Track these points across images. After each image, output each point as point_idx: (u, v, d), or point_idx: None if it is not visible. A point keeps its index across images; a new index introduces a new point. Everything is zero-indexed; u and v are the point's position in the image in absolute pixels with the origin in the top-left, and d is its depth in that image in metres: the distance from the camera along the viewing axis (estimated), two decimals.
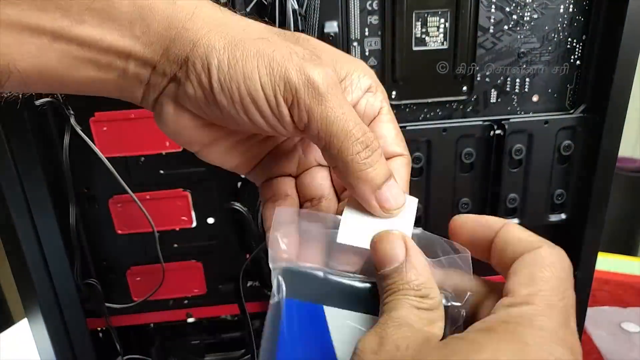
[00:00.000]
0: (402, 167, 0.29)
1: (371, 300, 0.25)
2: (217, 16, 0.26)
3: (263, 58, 0.24)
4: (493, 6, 0.40)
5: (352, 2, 0.40)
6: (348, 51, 0.41)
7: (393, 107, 0.43)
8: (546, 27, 0.42)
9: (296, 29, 0.37)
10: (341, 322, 0.25)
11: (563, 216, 0.47)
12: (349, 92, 0.28)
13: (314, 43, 0.28)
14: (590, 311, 0.57)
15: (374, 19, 0.40)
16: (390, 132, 0.29)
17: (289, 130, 0.26)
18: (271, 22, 0.37)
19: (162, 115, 0.27)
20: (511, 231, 0.25)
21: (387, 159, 0.28)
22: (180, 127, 0.27)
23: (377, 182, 0.26)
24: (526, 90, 0.43)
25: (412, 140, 0.43)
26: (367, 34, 0.41)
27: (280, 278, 0.25)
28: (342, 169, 0.26)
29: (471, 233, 0.26)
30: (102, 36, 0.24)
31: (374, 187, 0.26)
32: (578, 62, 0.43)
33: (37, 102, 0.38)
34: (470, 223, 0.27)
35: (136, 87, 0.27)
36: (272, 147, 0.31)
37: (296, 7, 0.37)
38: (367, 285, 0.26)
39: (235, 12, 0.27)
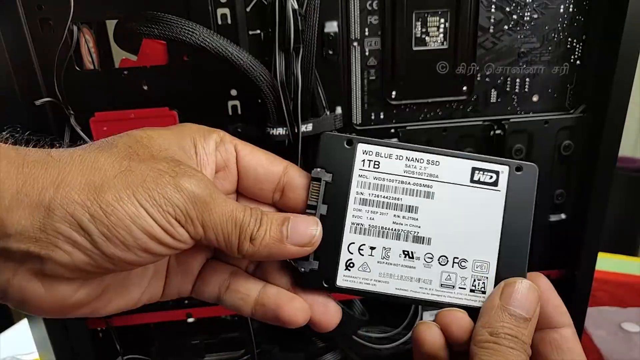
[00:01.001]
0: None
1: None
2: (45, 161, 0.23)
3: (139, 192, 0.23)
4: (493, 6, 0.40)
5: (352, 2, 0.40)
6: (348, 51, 0.41)
7: (393, 107, 0.43)
8: (546, 27, 0.42)
9: (296, 29, 0.37)
10: None
11: (563, 216, 0.47)
12: (206, 163, 0.29)
13: (149, 138, 0.27)
14: (590, 311, 0.57)
15: (374, 19, 0.40)
16: (259, 157, 0.31)
17: (188, 244, 0.26)
18: (271, 22, 0.37)
19: (26, 299, 0.24)
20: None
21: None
22: (59, 299, 0.25)
23: (283, 233, 0.27)
24: (526, 90, 0.43)
25: (412, 141, 0.43)
26: (367, 33, 0.41)
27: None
28: (248, 252, 0.26)
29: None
30: None
31: (282, 238, 0.27)
32: (578, 62, 0.43)
33: (37, 102, 0.38)
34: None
35: None
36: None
37: (296, 7, 0.36)
38: None
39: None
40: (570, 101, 0.44)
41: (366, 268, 0.29)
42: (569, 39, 0.42)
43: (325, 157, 0.30)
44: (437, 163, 0.29)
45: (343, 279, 0.29)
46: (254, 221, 0.26)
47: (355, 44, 0.41)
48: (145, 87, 0.40)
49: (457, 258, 0.28)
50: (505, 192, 0.28)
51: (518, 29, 0.41)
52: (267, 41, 0.39)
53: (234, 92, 0.41)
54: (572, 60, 0.43)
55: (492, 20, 0.41)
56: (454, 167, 0.29)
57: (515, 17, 0.41)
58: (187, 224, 0.25)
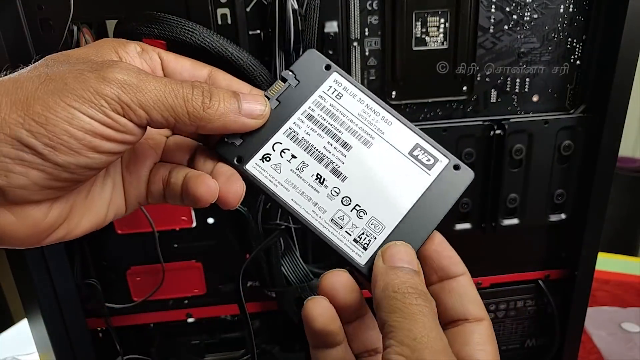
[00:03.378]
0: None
1: None
2: None
3: (65, 95, 0.23)
4: (493, 6, 0.40)
5: (352, 2, 0.40)
6: (348, 51, 0.41)
7: (393, 107, 0.43)
8: (546, 27, 0.42)
9: (296, 29, 0.37)
10: None
11: (563, 216, 0.47)
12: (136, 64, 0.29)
13: (65, 54, 0.27)
14: (590, 311, 0.57)
15: (374, 19, 0.40)
16: (184, 62, 0.31)
17: (136, 134, 0.25)
18: (271, 22, 0.37)
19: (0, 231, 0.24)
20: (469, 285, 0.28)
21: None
22: (32, 225, 0.25)
23: (236, 105, 0.27)
24: (526, 90, 0.43)
25: None
26: (367, 34, 0.41)
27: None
28: (201, 119, 0.26)
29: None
30: None
31: (236, 109, 0.27)
32: (578, 62, 0.43)
33: None
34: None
35: None
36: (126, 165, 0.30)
37: (296, 7, 0.36)
38: None
39: None
40: (570, 101, 0.44)
41: (278, 169, 0.30)
42: (569, 39, 0.42)
43: (301, 67, 0.31)
44: (390, 123, 0.31)
45: (253, 166, 0.30)
46: (199, 92, 0.26)
47: (355, 44, 0.41)
48: None
49: (359, 207, 0.29)
50: (433, 179, 0.29)
51: (518, 29, 0.41)
52: (267, 41, 0.39)
53: None
54: (572, 60, 0.43)
55: (492, 20, 0.41)
56: (401, 134, 0.30)
57: (515, 17, 0.41)
58: (126, 111, 0.24)
